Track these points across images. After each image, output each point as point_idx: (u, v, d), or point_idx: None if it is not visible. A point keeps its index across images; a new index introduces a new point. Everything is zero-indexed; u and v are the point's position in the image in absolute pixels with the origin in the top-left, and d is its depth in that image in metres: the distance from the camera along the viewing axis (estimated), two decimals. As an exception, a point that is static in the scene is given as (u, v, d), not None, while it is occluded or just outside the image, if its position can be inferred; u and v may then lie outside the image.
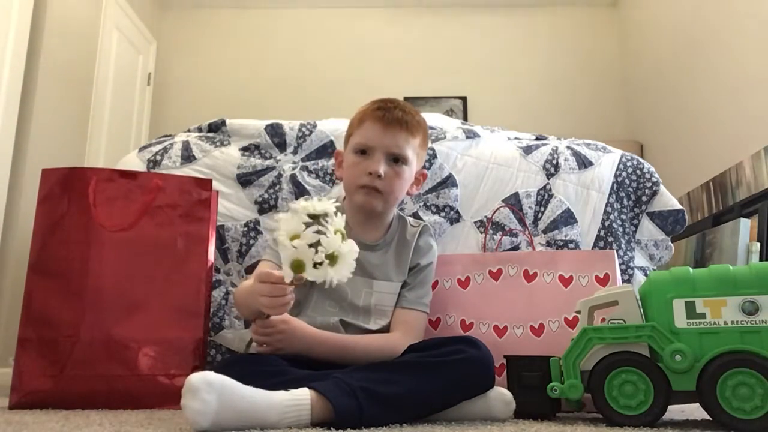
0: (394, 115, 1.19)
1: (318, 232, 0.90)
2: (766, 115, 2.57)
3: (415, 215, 1.54)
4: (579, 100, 4.24)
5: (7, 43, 2.35)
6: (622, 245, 1.55)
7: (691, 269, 0.98)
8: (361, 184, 1.19)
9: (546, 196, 1.58)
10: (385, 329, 1.20)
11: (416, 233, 1.29)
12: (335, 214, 0.94)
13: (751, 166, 2.61)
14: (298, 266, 0.89)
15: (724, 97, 2.94)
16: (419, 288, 1.25)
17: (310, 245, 0.88)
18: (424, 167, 1.56)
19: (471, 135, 1.68)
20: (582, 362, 0.98)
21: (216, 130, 1.73)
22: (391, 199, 1.22)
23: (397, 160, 1.20)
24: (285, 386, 0.89)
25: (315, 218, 0.91)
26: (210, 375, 0.81)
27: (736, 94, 2.83)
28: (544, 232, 1.55)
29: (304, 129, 1.67)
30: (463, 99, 4.25)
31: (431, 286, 1.30)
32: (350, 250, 0.92)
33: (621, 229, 1.57)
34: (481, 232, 1.55)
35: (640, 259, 1.58)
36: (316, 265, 0.89)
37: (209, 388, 0.79)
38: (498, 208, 1.55)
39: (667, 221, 1.59)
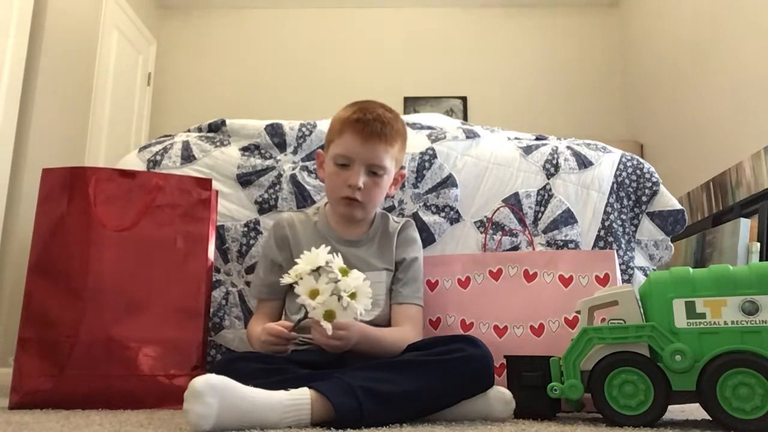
0: (372, 129, 1.22)
1: (329, 281, 1.00)
2: (766, 115, 2.57)
3: (415, 215, 1.54)
4: (579, 100, 4.24)
5: (7, 42, 2.35)
6: (622, 245, 1.55)
7: (691, 269, 0.98)
8: (342, 196, 1.24)
9: (546, 196, 1.58)
10: (378, 319, 1.21)
11: (398, 227, 1.32)
12: (332, 254, 1.04)
13: (751, 166, 2.61)
14: (330, 315, 1.00)
15: (724, 97, 2.94)
16: (413, 283, 1.27)
17: (332, 295, 1.00)
18: (424, 168, 1.57)
19: (471, 135, 1.68)
20: (582, 362, 0.98)
21: (216, 130, 1.73)
22: (370, 206, 1.28)
23: (375, 172, 1.25)
24: (285, 384, 0.89)
25: (318, 269, 1.02)
26: (212, 378, 0.82)
27: (736, 95, 2.83)
28: (544, 232, 1.55)
29: (304, 129, 1.67)
30: (463, 99, 4.25)
31: (425, 283, 1.32)
32: (361, 281, 1.03)
33: (621, 229, 1.57)
34: (481, 232, 1.55)
35: (640, 259, 1.58)
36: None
37: (212, 392, 0.80)
38: (498, 208, 1.55)
39: (667, 221, 1.60)
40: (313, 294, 1.00)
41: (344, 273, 1.02)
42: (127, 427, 0.89)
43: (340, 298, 0.99)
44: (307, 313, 1.01)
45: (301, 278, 1.01)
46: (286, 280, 1.04)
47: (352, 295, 1.00)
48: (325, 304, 0.99)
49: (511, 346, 1.26)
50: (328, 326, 0.98)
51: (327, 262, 1.02)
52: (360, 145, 1.22)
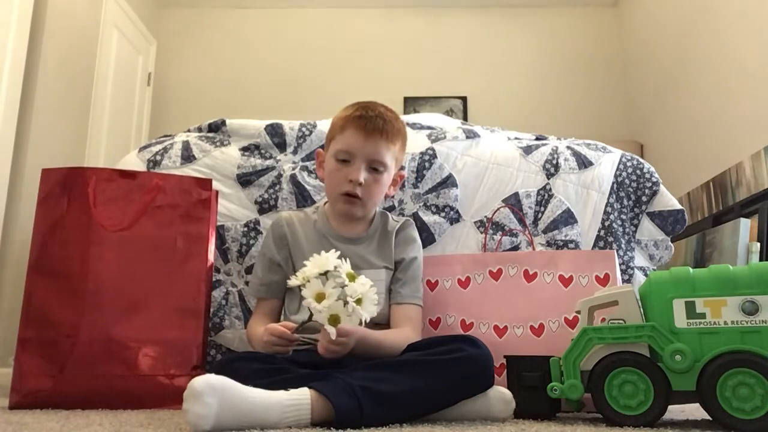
0: (375, 125, 1.23)
1: (336, 285, 1.00)
2: (766, 115, 2.57)
3: (415, 215, 1.54)
4: (579, 100, 4.24)
5: (7, 43, 2.35)
6: (622, 245, 1.55)
7: (691, 269, 0.98)
8: (342, 192, 1.24)
9: (546, 196, 1.58)
10: (378, 317, 1.20)
11: (397, 226, 1.32)
12: (341, 259, 1.03)
13: (751, 166, 2.61)
14: (335, 320, 1.00)
15: (724, 97, 2.94)
16: (412, 282, 1.27)
17: (337, 299, 0.99)
18: (424, 168, 1.57)
19: (471, 135, 1.68)
20: (582, 362, 0.98)
21: (216, 130, 1.73)
22: (369, 204, 1.28)
23: (376, 168, 1.25)
24: (285, 384, 0.89)
25: (326, 273, 1.02)
26: (212, 378, 0.82)
27: (736, 94, 2.83)
28: (544, 232, 1.55)
29: (304, 129, 1.67)
30: (463, 99, 4.25)
31: (425, 283, 1.32)
32: (368, 287, 1.02)
33: (621, 229, 1.57)
34: (481, 232, 1.55)
35: (640, 259, 1.57)
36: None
37: (212, 392, 0.80)
38: (498, 208, 1.55)
39: (667, 221, 1.59)
40: (320, 297, 1.00)
41: (351, 278, 1.02)
42: (127, 427, 0.89)
43: (345, 303, 0.99)
44: (311, 315, 1.01)
45: (308, 281, 1.01)
46: (293, 282, 1.05)
47: (358, 301, 1.00)
48: (330, 309, 0.99)
49: (511, 346, 1.26)
50: (332, 330, 0.98)
51: (335, 267, 1.02)
52: (362, 141, 1.23)
